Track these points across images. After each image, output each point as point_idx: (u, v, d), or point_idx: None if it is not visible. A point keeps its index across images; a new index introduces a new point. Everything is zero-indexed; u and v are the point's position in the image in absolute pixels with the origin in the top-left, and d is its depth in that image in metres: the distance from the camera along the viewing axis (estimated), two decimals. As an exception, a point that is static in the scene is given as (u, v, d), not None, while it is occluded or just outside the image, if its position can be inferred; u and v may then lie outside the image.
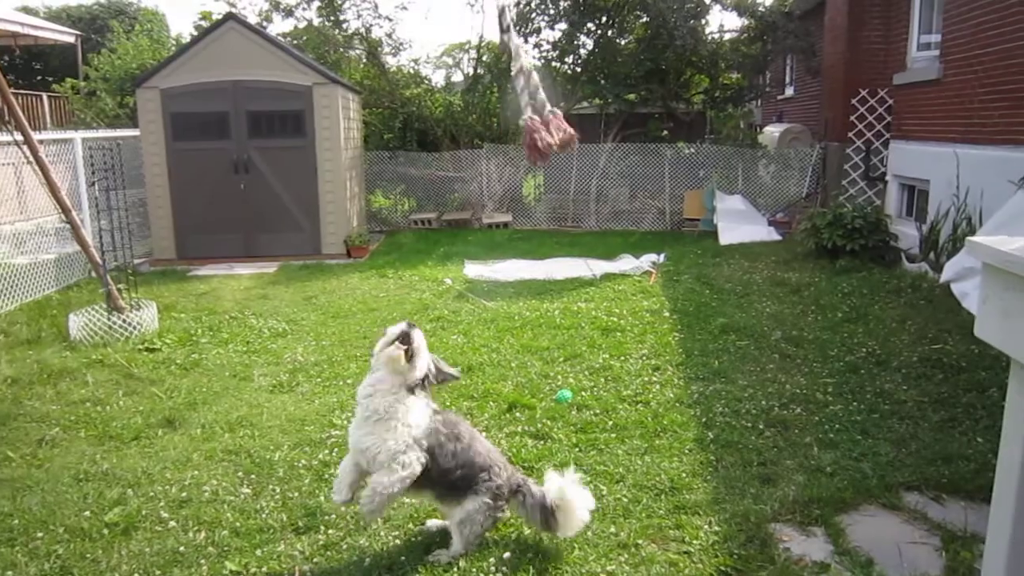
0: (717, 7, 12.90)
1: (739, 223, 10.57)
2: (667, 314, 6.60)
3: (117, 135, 9.94)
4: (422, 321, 6.53)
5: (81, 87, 15.40)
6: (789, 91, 15.81)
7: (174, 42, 17.01)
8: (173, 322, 6.69)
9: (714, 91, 13.71)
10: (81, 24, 21.36)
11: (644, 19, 12.92)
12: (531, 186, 13.46)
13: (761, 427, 4.19)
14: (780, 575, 2.87)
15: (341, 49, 13.85)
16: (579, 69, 13.22)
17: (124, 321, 6.16)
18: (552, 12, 13.06)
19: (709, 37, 12.99)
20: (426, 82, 14.28)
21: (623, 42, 13.44)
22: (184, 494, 3.62)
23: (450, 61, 16.67)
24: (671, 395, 4.70)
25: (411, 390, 2.88)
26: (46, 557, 3.13)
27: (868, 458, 3.78)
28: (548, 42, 13.40)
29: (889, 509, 3.33)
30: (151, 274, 9.03)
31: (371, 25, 13.72)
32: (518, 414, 4.47)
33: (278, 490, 3.64)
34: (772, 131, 13.42)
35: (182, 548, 3.16)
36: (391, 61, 14.25)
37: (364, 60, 14.22)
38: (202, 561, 3.07)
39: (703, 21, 12.61)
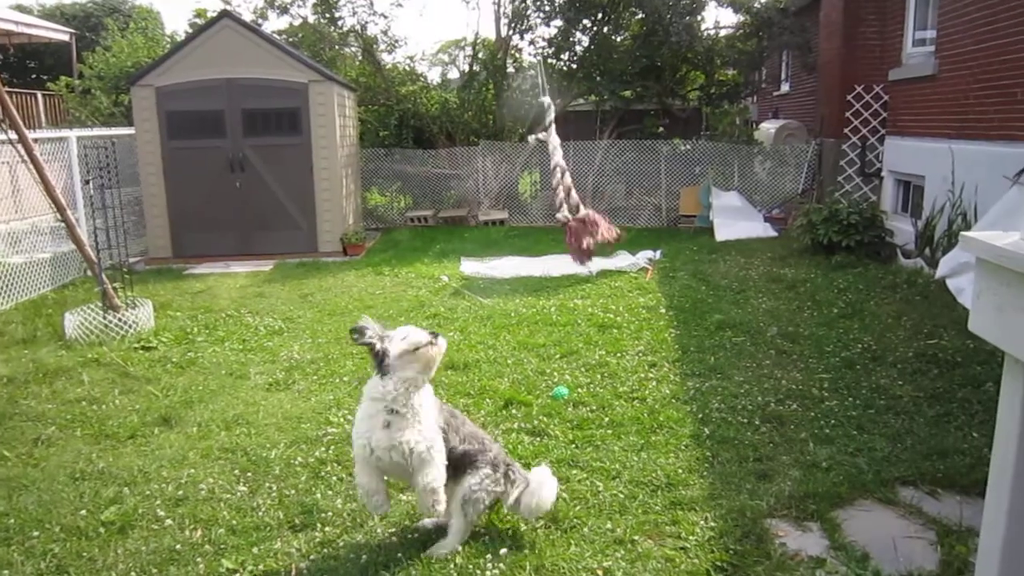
0: (712, 3, 12.92)
1: (735, 219, 10.58)
2: (663, 310, 6.61)
3: (112, 133, 9.93)
4: (418, 318, 6.53)
5: (76, 85, 15.33)
6: (785, 87, 15.80)
7: (169, 40, 16.91)
8: (169, 321, 6.69)
9: (710, 88, 13.73)
10: (76, 22, 21.31)
11: (640, 16, 12.93)
12: (527, 183, 13.45)
13: (757, 423, 4.20)
14: (776, 570, 2.88)
15: (336, 46, 13.82)
16: (575, 66, 13.22)
17: (120, 320, 6.15)
18: (548, 9, 13.06)
19: (705, 33, 12.98)
20: (422, 79, 14.24)
21: (619, 39, 13.45)
22: (180, 492, 3.62)
23: (446, 58, 16.67)
24: (667, 391, 4.71)
25: None
26: (42, 556, 3.13)
27: (864, 453, 3.79)
28: (544, 39, 13.43)
29: (885, 504, 3.35)
30: (146, 273, 9.00)
31: (366, 22, 13.71)
32: (514, 411, 4.48)
33: (274, 488, 3.64)
34: (768, 127, 13.40)
35: (178, 546, 3.16)
36: (387, 58, 14.23)
37: (359, 57, 14.18)
38: (198, 559, 3.07)
39: (699, 17, 12.60)
